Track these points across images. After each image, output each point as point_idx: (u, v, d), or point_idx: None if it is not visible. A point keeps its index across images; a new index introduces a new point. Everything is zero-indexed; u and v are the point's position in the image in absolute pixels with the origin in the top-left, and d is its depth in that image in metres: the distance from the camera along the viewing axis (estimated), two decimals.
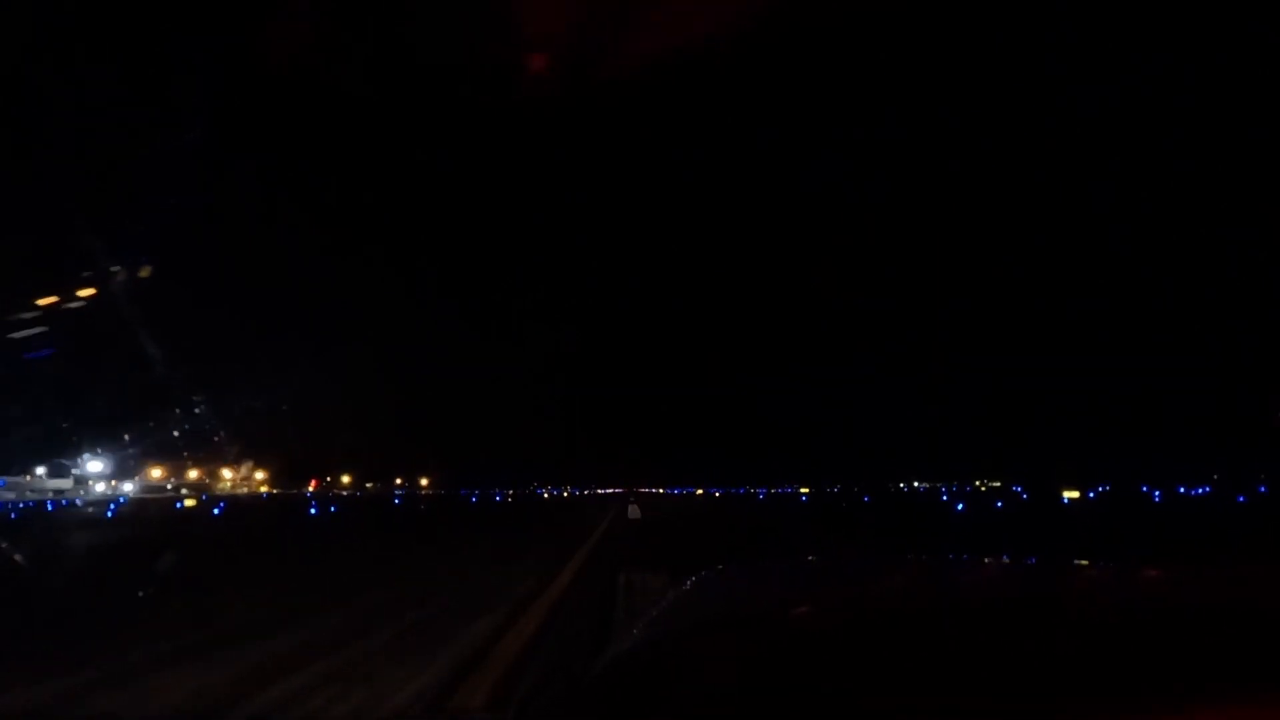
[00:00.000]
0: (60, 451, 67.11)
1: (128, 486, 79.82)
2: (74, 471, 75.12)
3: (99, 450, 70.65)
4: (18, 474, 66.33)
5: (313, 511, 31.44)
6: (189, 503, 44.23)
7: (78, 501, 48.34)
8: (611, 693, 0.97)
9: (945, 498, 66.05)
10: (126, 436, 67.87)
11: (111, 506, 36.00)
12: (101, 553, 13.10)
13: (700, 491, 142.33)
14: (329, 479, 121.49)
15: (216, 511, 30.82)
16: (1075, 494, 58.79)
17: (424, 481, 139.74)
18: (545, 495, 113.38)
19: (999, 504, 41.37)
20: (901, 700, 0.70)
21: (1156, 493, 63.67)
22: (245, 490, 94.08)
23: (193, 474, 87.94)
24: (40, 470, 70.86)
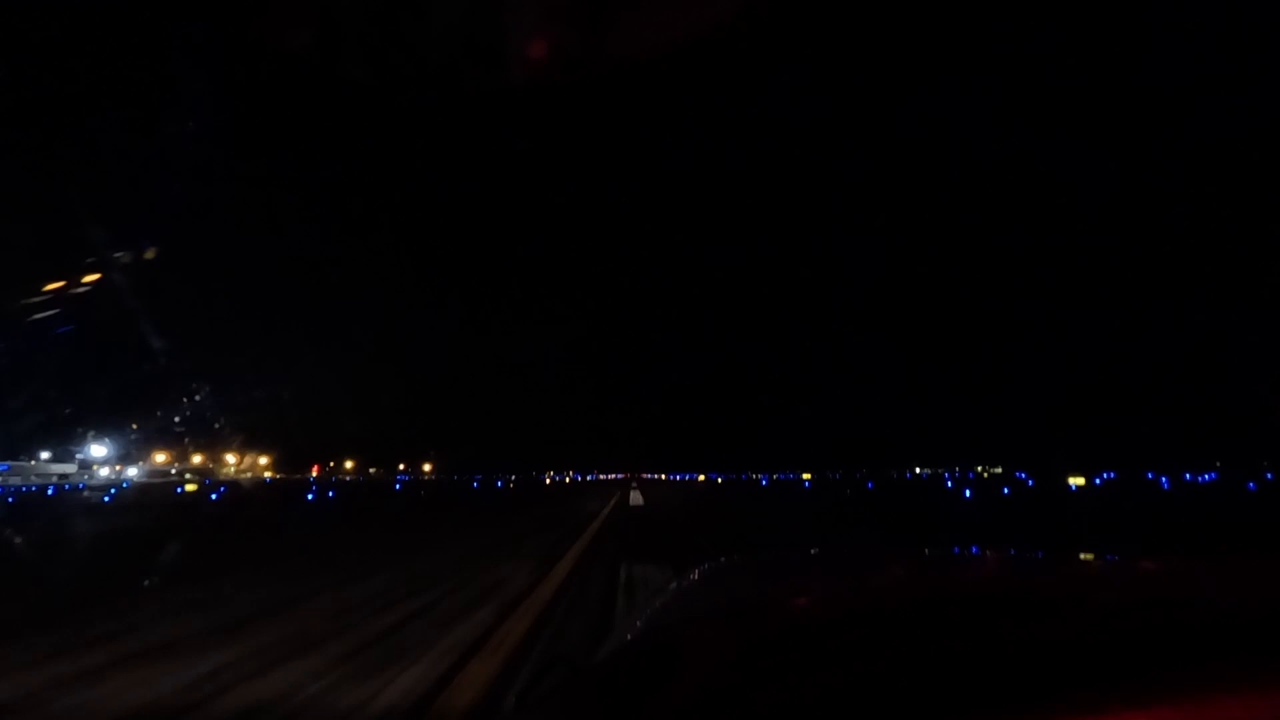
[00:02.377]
0: (64, 436, 67.50)
1: (132, 471, 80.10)
2: (78, 456, 75.46)
3: (103, 435, 71.03)
4: (22, 458, 66.67)
5: (309, 498, 31.13)
6: (190, 488, 44.11)
7: (80, 486, 48.39)
8: (612, 683, 0.98)
9: (950, 484, 65.65)
10: (132, 422, 68.20)
11: (111, 492, 35.88)
12: (94, 543, 12.76)
13: (702, 477, 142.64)
14: (332, 464, 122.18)
15: (214, 497, 30.58)
16: (1081, 481, 58.37)
17: (427, 467, 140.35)
18: (548, 481, 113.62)
19: (1005, 491, 40.80)
20: (899, 692, 0.71)
21: (1164, 479, 63.09)
22: (249, 475, 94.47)
23: (197, 459, 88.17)
24: (44, 455, 71.24)
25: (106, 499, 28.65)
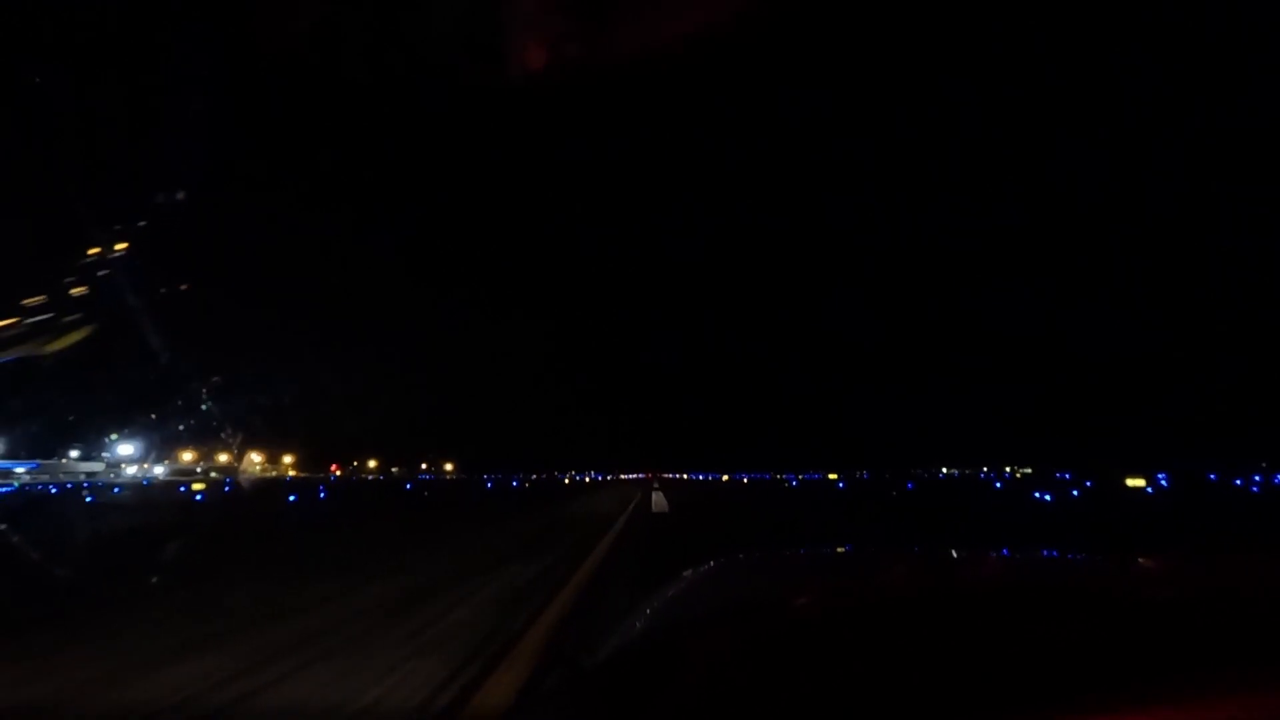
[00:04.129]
0: (94, 435, 68.12)
1: (158, 469, 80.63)
2: (104, 455, 76.18)
3: (130, 434, 71.70)
4: (51, 457, 67.26)
5: (292, 499, 29.21)
6: (196, 486, 42.98)
7: (100, 484, 48.16)
8: (614, 683, 0.98)
9: (999, 485, 61.36)
10: (159, 421, 68.44)
11: (114, 490, 35.03)
12: (44, 551, 11.02)
13: (726, 477, 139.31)
14: (355, 463, 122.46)
15: (199, 499, 28.94)
16: (1141, 482, 53.72)
17: (449, 466, 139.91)
18: (567, 481, 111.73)
19: (1075, 493, 36.94)
20: (901, 693, 0.70)
21: (1238, 479, 57.91)
22: (274, 474, 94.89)
23: (222, 457, 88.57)
24: (73, 453, 71.98)
25: (90, 499, 27.25)
